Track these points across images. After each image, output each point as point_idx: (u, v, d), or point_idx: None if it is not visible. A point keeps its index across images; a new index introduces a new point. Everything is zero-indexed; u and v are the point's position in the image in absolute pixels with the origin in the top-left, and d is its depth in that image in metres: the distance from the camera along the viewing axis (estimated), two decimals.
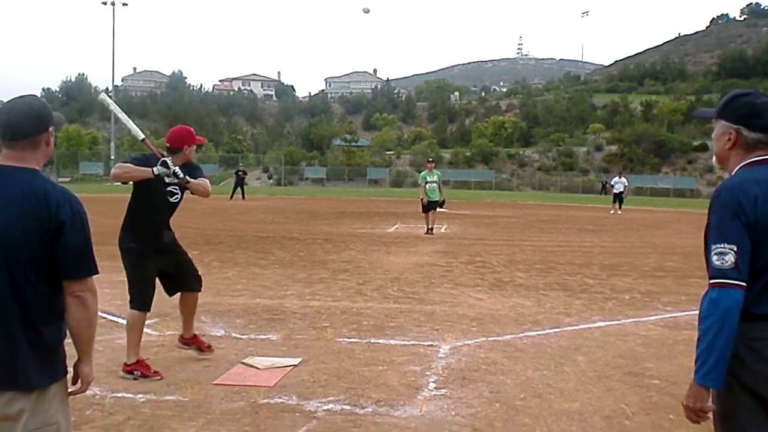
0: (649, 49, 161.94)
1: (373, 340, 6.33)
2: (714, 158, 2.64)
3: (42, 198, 2.32)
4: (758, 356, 2.30)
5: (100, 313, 5.92)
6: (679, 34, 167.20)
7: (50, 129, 2.45)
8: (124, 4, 64.82)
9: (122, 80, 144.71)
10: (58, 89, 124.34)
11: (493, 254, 13.35)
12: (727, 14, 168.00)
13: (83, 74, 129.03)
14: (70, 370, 2.51)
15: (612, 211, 28.82)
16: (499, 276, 10.61)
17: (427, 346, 6.18)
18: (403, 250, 13.93)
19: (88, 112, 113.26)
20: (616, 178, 30.38)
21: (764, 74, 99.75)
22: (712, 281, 2.31)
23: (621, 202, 29.36)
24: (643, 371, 5.53)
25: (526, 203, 34.06)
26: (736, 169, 2.47)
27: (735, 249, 2.27)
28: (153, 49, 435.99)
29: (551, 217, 26.52)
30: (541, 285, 9.83)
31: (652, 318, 7.71)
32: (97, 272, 2.45)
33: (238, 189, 33.57)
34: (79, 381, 2.52)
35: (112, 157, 65.15)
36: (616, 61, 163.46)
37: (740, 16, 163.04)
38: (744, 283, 2.27)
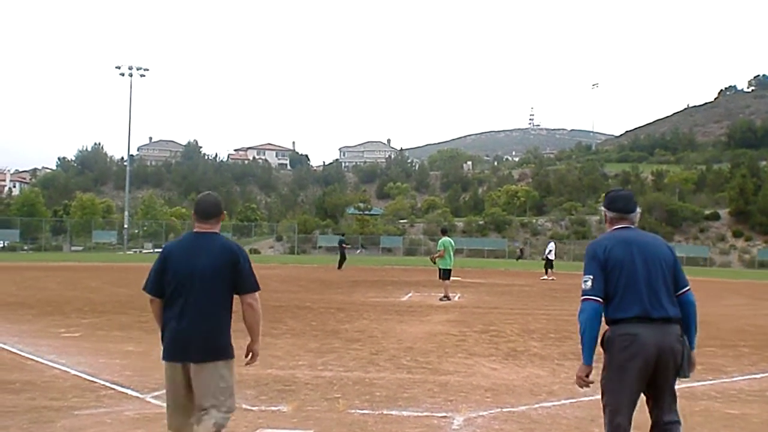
0: (659, 119, 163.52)
1: (386, 412, 6.22)
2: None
3: (227, 246, 4.18)
4: (621, 345, 3.69)
5: (109, 384, 6.98)
6: (688, 105, 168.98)
7: (224, 212, 4.34)
8: (142, 75, 66.05)
9: (138, 150, 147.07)
10: (73, 158, 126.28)
11: (507, 323, 13.23)
12: (735, 86, 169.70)
13: (99, 144, 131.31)
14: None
15: (543, 277, 29.96)
16: (514, 345, 10.48)
17: (441, 417, 6.07)
18: (416, 319, 13.83)
19: (103, 181, 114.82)
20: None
21: None
22: (581, 297, 3.80)
23: (549, 266, 30.73)
24: None
25: (540, 271, 33.84)
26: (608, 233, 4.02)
27: (592, 277, 3.78)
28: (169, 118, 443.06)
29: (565, 285, 26.29)
30: (556, 354, 9.70)
31: None
32: (259, 288, 4.24)
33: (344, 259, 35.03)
34: (251, 355, 4.29)
35: (126, 226, 65.57)
36: (626, 132, 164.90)
37: (748, 88, 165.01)
38: (599, 298, 3.74)
